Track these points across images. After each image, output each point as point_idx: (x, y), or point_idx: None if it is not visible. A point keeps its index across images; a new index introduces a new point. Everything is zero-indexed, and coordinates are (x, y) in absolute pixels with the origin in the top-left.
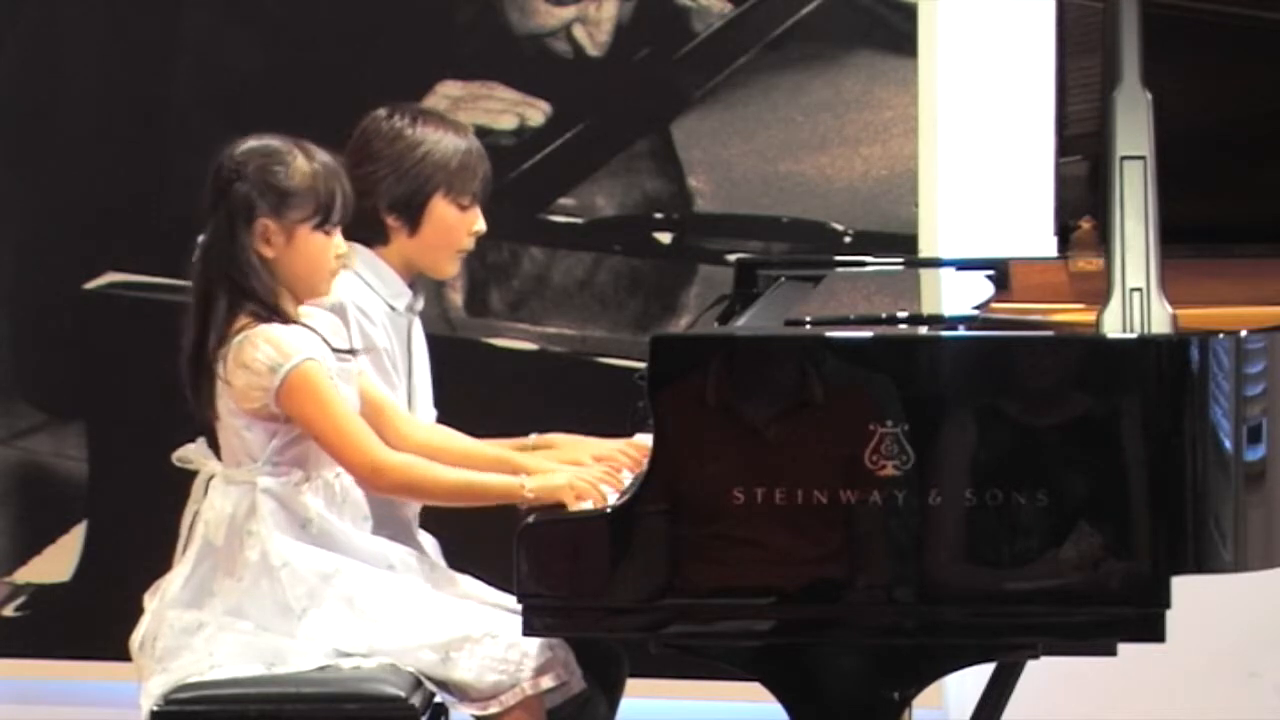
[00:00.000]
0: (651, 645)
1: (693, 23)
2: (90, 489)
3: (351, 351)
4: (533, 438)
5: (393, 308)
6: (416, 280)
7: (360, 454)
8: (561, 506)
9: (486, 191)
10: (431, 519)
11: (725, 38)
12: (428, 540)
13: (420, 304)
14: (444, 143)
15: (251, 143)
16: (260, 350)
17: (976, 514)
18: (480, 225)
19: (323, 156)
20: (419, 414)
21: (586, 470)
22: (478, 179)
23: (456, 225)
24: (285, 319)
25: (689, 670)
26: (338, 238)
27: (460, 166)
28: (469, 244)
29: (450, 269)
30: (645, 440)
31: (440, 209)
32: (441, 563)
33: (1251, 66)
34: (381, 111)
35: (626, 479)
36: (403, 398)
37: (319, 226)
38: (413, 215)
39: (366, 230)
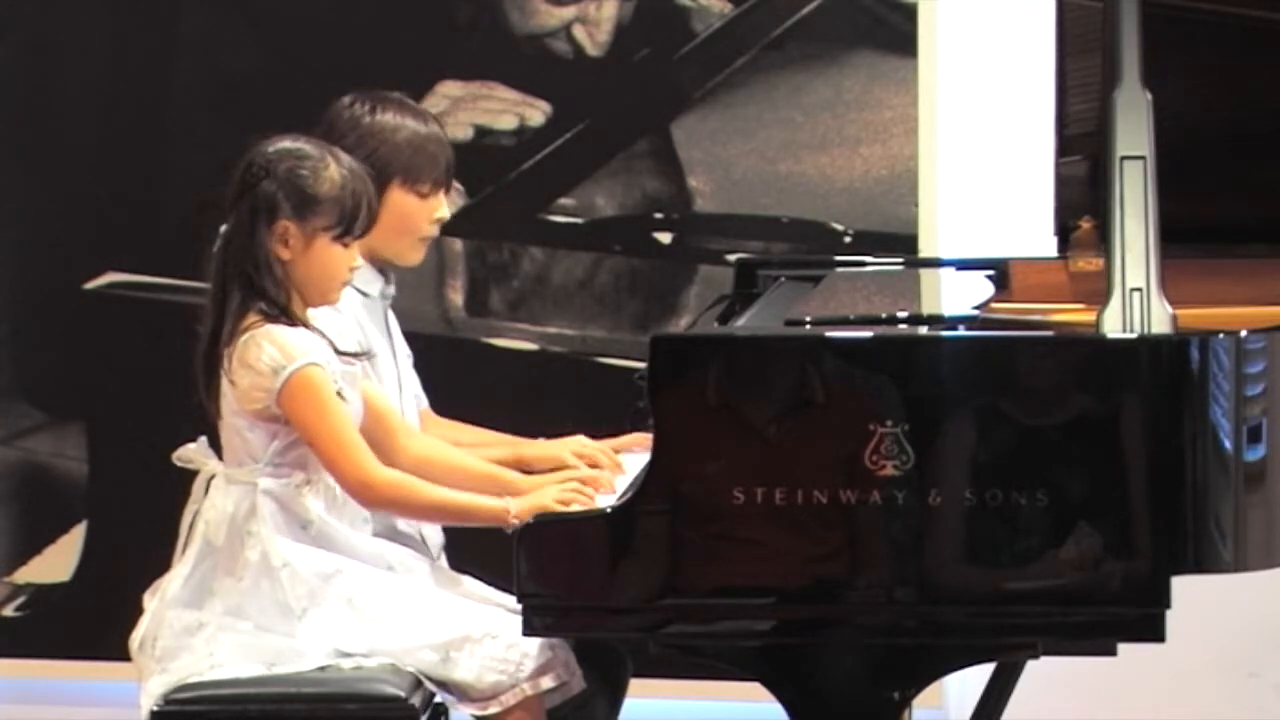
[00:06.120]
0: (651, 645)
1: (693, 23)
2: (90, 489)
3: (359, 354)
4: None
5: (365, 294)
6: (386, 268)
7: (351, 467)
8: None
9: (450, 178)
10: None
11: (725, 38)
12: (434, 539)
13: (392, 290)
14: (400, 131)
15: (285, 143)
16: (265, 351)
17: (976, 514)
18: (443, 212)
19: (354, 167)
20: (409, 402)
21: (571, 473)
22: (439, 166)
23: (416, 213)
24: (293, 321)
25: (689, 670)
26: (355, 250)
27: (416, 154)
28: (432, 231)
29: (414, 256)
30: (627, 440)
31: (397, 197)
32: (442, 562)
33: (1251, 66)
34: (345, 99)
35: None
36: (392, 384)
37: (339, 238)
38: None
39: None
